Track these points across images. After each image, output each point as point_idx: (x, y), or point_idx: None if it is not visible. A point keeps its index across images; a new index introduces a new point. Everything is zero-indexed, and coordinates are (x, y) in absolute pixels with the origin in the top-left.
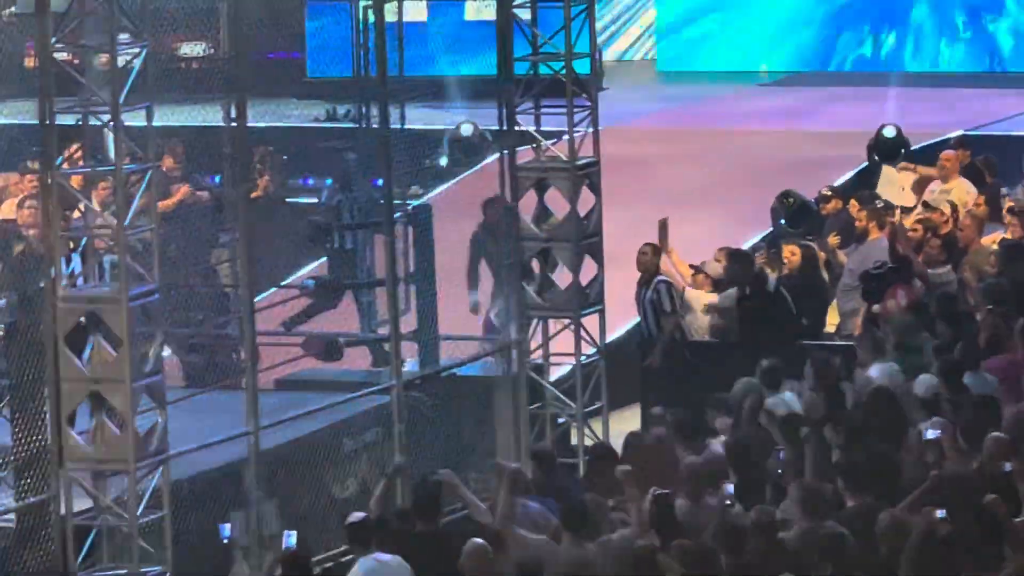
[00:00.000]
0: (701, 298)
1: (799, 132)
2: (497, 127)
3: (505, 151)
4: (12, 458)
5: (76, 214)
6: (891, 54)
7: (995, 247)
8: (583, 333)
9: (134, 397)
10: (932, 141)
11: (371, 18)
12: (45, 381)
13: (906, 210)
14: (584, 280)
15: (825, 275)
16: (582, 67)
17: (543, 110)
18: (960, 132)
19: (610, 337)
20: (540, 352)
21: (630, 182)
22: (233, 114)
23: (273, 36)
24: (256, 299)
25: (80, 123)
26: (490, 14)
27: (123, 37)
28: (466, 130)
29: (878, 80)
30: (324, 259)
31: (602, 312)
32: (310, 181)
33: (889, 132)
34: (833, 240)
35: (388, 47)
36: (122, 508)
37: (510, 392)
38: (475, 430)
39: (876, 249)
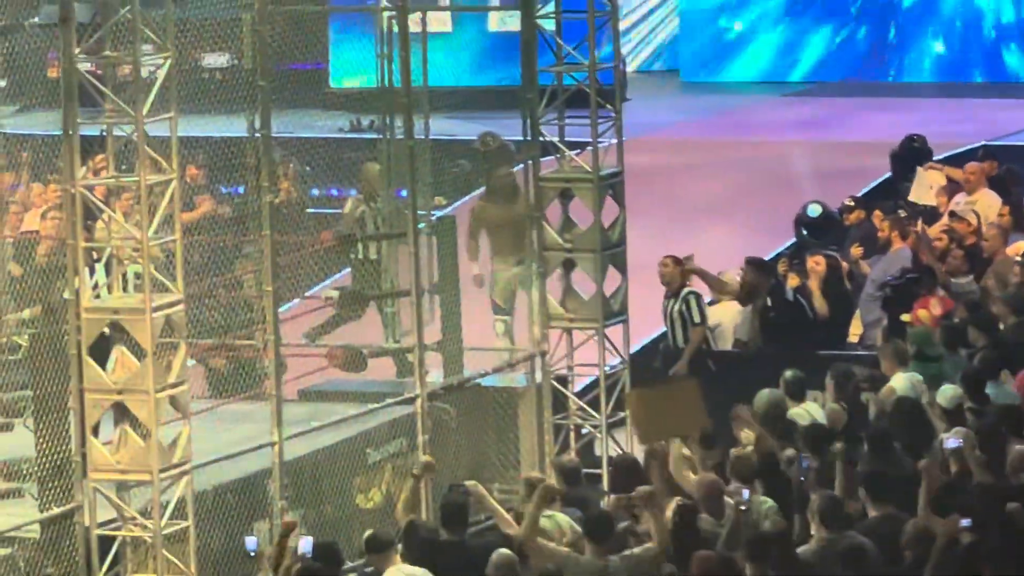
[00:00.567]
0: (723, 309)
1: (822, 142)
2: (521, 138)
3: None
4: (36, 469)
5: (100, 225)
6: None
7: (1019, 257)
8: (607, 343)
9: (158, 407)
10: (955, 151)
11: (395, 28)
12: (69, 392)
13: (930, 220)
14: (608, 290)
15: (848, 285)
16: (606, 78)
17: (567, 121)
18: (983, 142)
19: (634, 347)
20: (564, 362)
21: (653, 192)
22: (257, 125)
23: (296, 47)
24: (280, 310)
25: (103, 134)
26: (514, 25)
27: (146, 48)
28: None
29: (901, 90)
30: (348, 270)
31: (626, 322)
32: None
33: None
34: (856, 251)
35: (412, 57)
36: (146, 518)
37: (534, 402)
38: (499, 440)
39: (899, 259)
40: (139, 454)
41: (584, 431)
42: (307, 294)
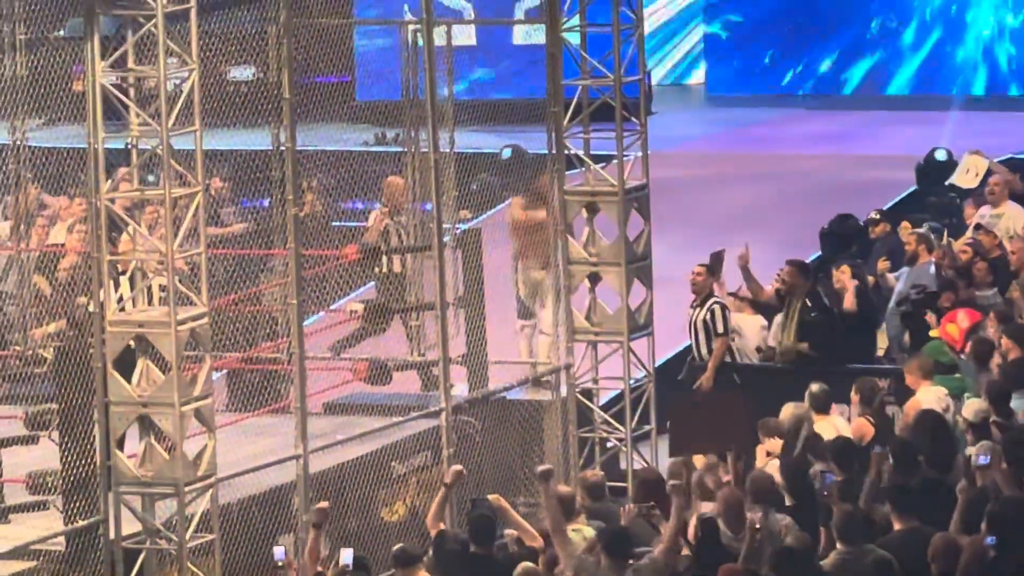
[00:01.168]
0: (748, 321)
1: (847, 156)
2: (546, 151)
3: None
4: (61, 482)
5: (124, 238)
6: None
7: None
8: (632, 357)
9: (183, 421)
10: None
11: (420, 41)
12: (94, 405)
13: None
14: (633, 304)
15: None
16: (631, 91)
17: (592, 134)
18: (1009, 155)
19: (659, 360)
20: (589, 376)
21: (679, 206)
22: (282, 138)
23: (322, 59)
24: (305, 323)
25: (128, 147)
26: (539, 38)
27: (171, 61)
28: (506, 154)
29: (926, 104)
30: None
31: (651, 335)
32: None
33: (940, 155)
34: (883, 264)
35: (437, 70)
36: (171, 531)
37: (559, 416)
38: (524, 454)
39: (924, 273)
40: (164, 467)
41: (609, 444)
42: (332, 307)
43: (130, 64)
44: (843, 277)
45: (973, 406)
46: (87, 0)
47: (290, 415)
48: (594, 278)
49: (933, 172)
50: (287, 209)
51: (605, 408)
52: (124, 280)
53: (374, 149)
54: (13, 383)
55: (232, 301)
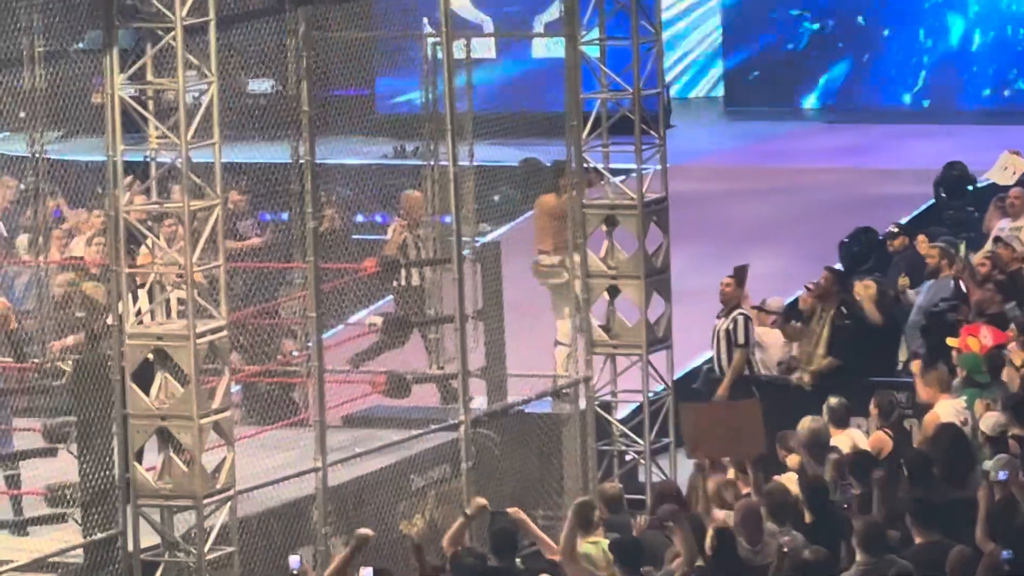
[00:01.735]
0: (771, 335)
1: (866, 169)
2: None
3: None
4: (80, 494)
5: (143, 251)
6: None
7: None
8: (651, 370)
9: (202, 433)
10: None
11: (440, 55)
12: (112, 417)
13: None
14: (652, 317)
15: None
16: (650, 104)
17: (612, 147)
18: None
19: (678, 373)
20: (608, 389)
21: (698, 219)
22: (301, 151)
23: (341, 73)
24: (324, 336)
25: (147, 160)
26: (558, 51)
27: (190, 74)
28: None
29: (943, 117)
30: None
31: (670, 348)
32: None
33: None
34: (903, 281)
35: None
36: (190, 544)
37: (578, 429)
38: (543, 467)
39: (945, 287)
40: (183, 480)
41: (628, 457)
42: (351, 320)
43: (149, 77)
44: (866, 292)
45: (991, 419)
46: (106, 13)
47: (309, 428)
48: (613, 291)
49: (950, 186)
50: (306, 222)
51: (624, 421)
52: (143, 293)
53: (393, 162)
54: (32, 395)
55: (251, 314)
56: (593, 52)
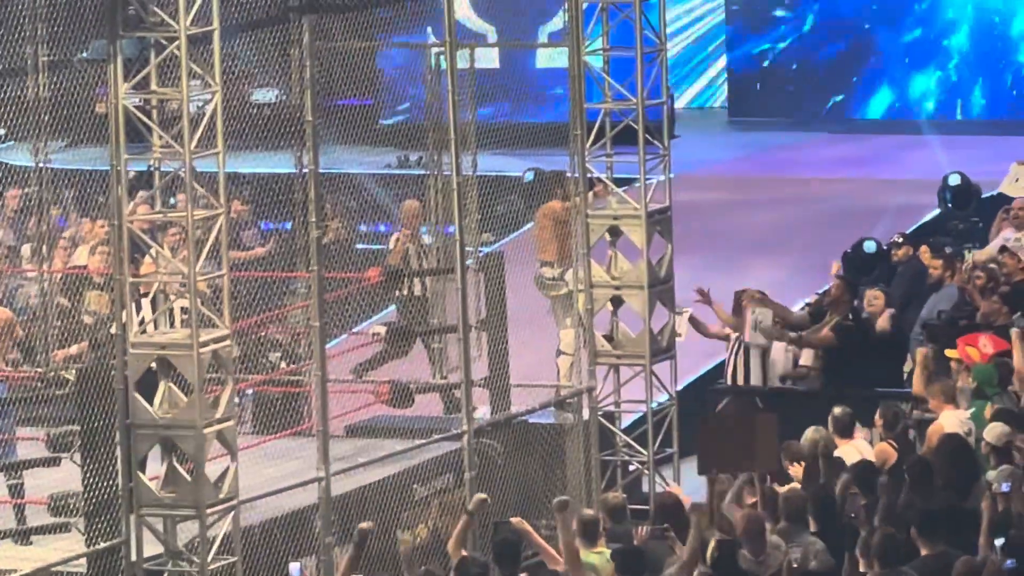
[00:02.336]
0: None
1: (870, 179)
2: (569, 174)
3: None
4: (83, 504)
5: (147, 260)
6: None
7: None
8: (654, 380)
9: (205, 443)
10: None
11: (443, 64)
12: (116, 427)
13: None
14: (655, 327)
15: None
16: (654, 114)
17: (615, 157)
18: None
19: (681, 384)
20: (611, 399)
21: (701, 229)
22: (305, 161)
23: (345, 82)
24: (327, 346)
25: (151, 169)
26: (562, 61)
27: (194, 83)
28: (529, 177)
29: (948, 127)
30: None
31: (674, 359)
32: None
33: (954, 180)
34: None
35: (460, 93)
36: (193, 553)
37: (581, 439)
38: (546, 477)
39: (948, 297)
40: (186, 489)
41: (631, 467)
42: (354, 330)
43: (153, 86)
44: (876, 302)
45: (996, 429)
46: (111, 23)
47: (312, 437)
48: (616, 301)
49: (954, 196)
50: (309, 231)
51: (627, 431)
52: (146, 302)
53: (397, 172)
54: (35, 405)
55: (254, 323)
56: (597, 62)
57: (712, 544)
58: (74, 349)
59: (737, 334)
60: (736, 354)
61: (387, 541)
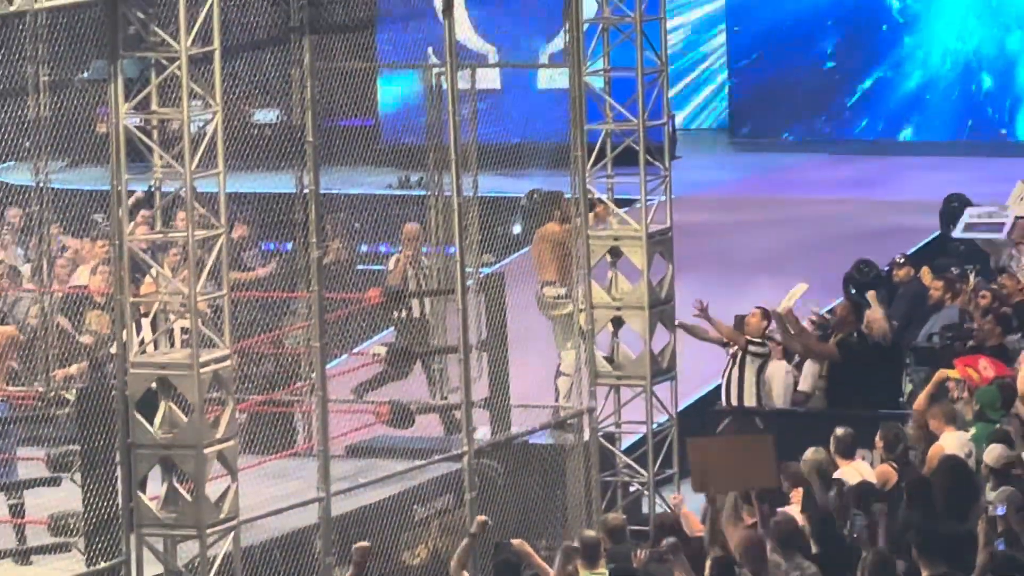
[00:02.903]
0: (774, 367)
1: (871, 201)
2: (570, 195)
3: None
4: (83, 523)
5: (147, 280)
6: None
7: None
8: (655, 401)
9: (205, 463)
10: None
11: (444, 85)
12: (116, 446)
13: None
14: (656, 348)
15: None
16: (656, 135)
17: (617, 178)
18: None
19: (682, 405)
20: (612, 420)
21: (702, 250)
22: (305, 181)
23: (345, 103)
24: (328, 366)
25: (151, 189)
26: (563, 82)
27: (195, 103)
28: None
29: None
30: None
31: (674, 379)
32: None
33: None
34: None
35: (461, 114)
36: (193, 573)
37: (582, 459)
38: (546, 498)
39: (945, 319)
40: (186, 509)
41: (632, 488)
42: (355, 350)
43: (154, 106)
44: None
45: (995, 451)
46: (111, 42)
47: (312, 457)
48: (617, 322)
49: (955, 217)
50: (310, 252)
51: (628, 452)
52: (146, 322)
53: (398, 192)
54: (36, 424)
55: (255, 343)
56: (598, 83)
57: (708, 564)
58: (74, 369)
59: (736, 348)
60: (732, 369)
61: (387, 561)
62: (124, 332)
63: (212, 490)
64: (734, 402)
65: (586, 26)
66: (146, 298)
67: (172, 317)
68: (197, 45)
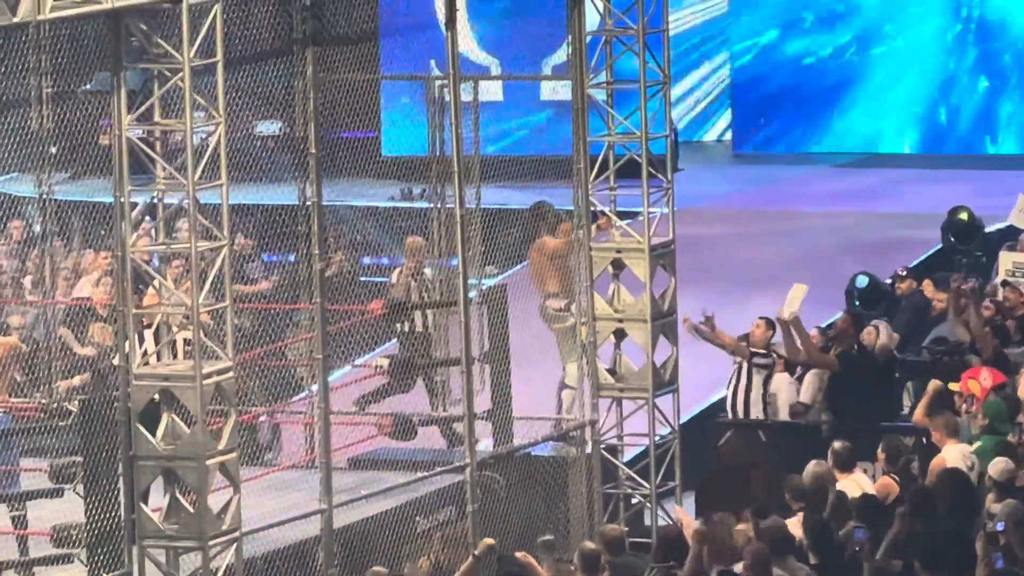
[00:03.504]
0: (777, 379)
1: (874, 213)
2: (572, 207)
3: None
4: (85, 535)
5: (150, 291)
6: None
7: None
8: (657, 413)
9: (208, 475)
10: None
11: (447, 97)
12: (119, 458)
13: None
14: (658, 360)
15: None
16: (658, 147)
17: (619, 190)
18: None
19: (684, 417)
20: (614, 432)
21: (705, 262)
22: (308, 193)
23: (348, 115)
24: (330, 378)
25: (154, 200)
26: (566, 94)
27: (198, 115)
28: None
29: (952, 163)
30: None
31: (676, 392)
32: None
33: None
34: None
35: (463, 126)
36: None
37: (584, 472)
38: (548, 510)
39: (945, 331)
40: (189, 521)
41: (634, 500)
42: (357, 362)
43: (156, 118)
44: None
45: (999, 465)
46: (114, 54)
47: (315, 469)
48: (620, 334)
49: (958, 230)
50: (312, 263)
51: (630, 464)
52: (149, 334)
53: (400, 205)
54: (38, 436)
55: (257, 355)
56: (601, 95)
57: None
58: (77, 380)
59: (741, 360)
60: (737, 381)
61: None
62: (127, 344)
63: (214, 502)
64: (740, 414)
65: (588, 38)
66: (149, 310)
67: (175, 329)
68: (200, 57)
